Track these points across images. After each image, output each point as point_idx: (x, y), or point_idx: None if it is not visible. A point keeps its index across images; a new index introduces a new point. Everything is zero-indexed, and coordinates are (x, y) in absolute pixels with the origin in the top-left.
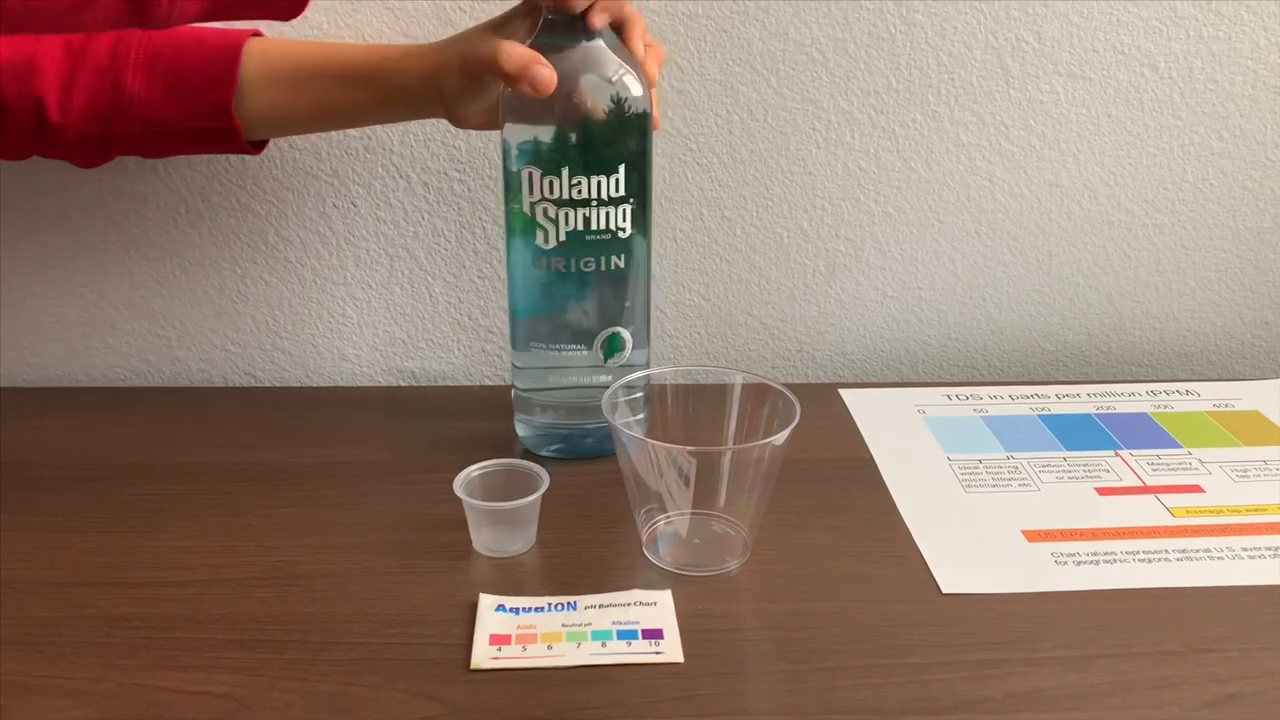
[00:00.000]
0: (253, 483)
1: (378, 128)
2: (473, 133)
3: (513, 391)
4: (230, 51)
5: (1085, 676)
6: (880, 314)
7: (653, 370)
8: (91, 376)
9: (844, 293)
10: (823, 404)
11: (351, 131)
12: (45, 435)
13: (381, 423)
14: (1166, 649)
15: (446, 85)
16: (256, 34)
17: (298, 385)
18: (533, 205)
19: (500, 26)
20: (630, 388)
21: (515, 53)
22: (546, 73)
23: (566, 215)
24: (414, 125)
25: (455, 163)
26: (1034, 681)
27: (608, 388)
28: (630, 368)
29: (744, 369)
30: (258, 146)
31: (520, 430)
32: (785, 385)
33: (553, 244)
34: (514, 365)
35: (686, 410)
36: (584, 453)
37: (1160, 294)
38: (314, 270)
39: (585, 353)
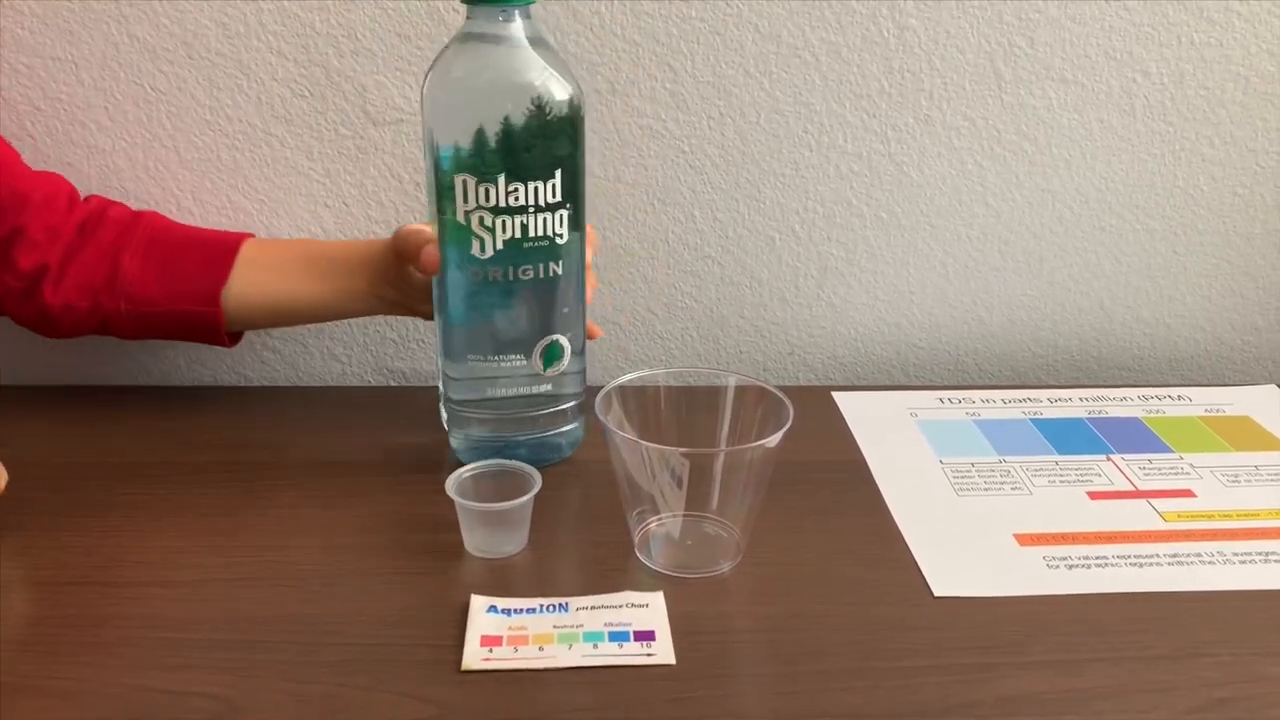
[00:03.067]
0: (243, 483)
1: (369, 125)
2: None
3: (442, 404)
4: (228, 246)
5: (1077, 680)
6: (871, 317)
7: (645, 372)
8: (82, 375)
9: (835, 296)
10: (815, 406)
11: (344, 130)
12: (35, 434)
13: (373, 423)
14: (1158, 653)
15: (382, 265)
16: (250, 236)
17: (288, 385)
18: (468, 214)
19: None
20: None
21: (411, 234)
22: (431, 253)
23: (504, 223)
24: (405, 126)
25: None
26: (1025, 685)
27: (546, 396)
28: (569, 375)
29: (737, 371)
30: (233, 339)
31: (453, 442)
32: (777, 388)
33: (489, 253)
34: (446, 375)
35: (679, 412)
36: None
37: (1151, 299)
38: None
39: (523, 362)
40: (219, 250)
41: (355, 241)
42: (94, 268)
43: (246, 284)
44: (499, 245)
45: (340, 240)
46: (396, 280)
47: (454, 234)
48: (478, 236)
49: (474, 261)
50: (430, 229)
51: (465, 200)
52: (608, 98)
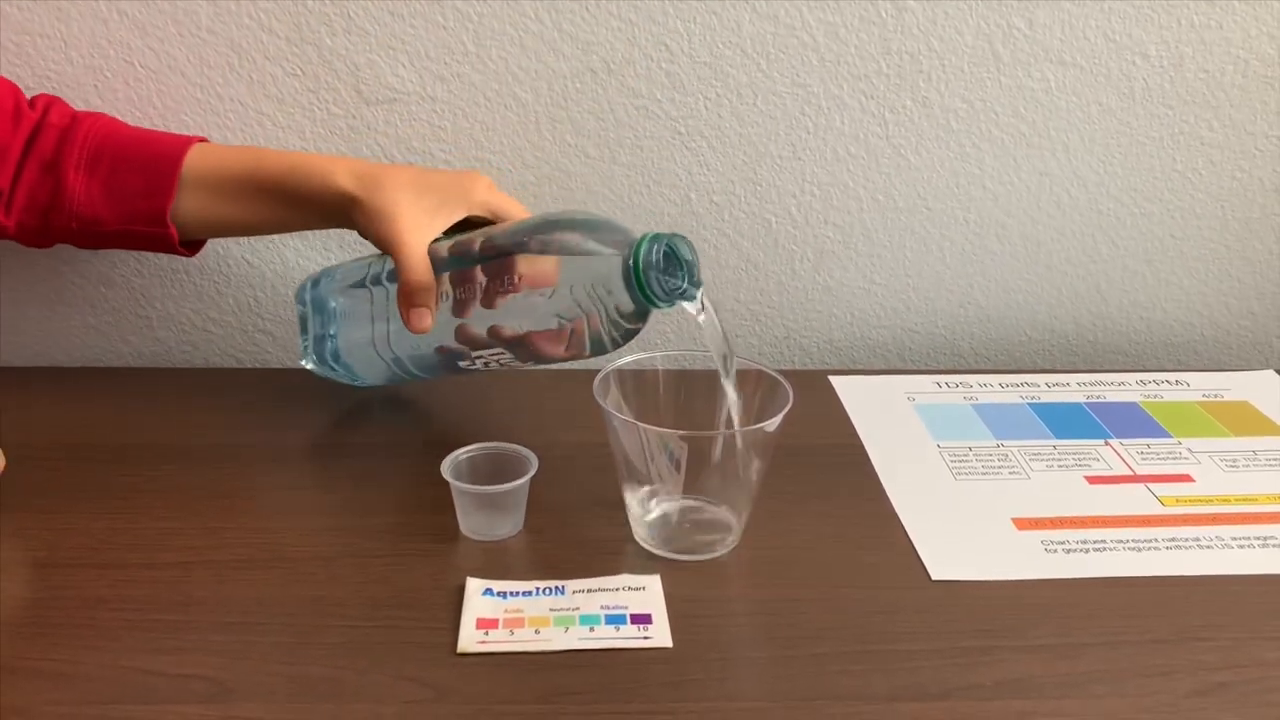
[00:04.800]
0: (237, 464)
1: (362, 105)
2: (458, 113)
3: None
4: (171, 161)
5: (1075, 664)
6: (868, 301)
7: (643, 355)
8: (72, 356)
9: (832, 280)
10: (812, 390)
11: (336, 110)
12: (25, 415)
13: (367, 405)
14: (1156, 637)
15: (356, 220)
16: (201, 140)
17: (280, 367)
18: (484, 359)
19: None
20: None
21: (416, 276)
22: (425, 319)
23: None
24: (398, 105)
25: (440, 143)
26: (1024, 669)
27: None
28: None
29: (734, 354)
30: (191, 249)
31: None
32: (776, 371)
33: (474, 366)
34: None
35: (677, 395)
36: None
37: (1148, 284)
38: (297, 250)
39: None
40: (163, 164)
41: (309, 167)
42: (39, 185)
43: (194, 204)
44: (483, 366)
45: (291, 154)
46: (363, 231)
47: (457, 347)
48: (480, 357)
49: (457, 358)
50: (432, 284)
51: (493, 354)
52: (603, 77)
